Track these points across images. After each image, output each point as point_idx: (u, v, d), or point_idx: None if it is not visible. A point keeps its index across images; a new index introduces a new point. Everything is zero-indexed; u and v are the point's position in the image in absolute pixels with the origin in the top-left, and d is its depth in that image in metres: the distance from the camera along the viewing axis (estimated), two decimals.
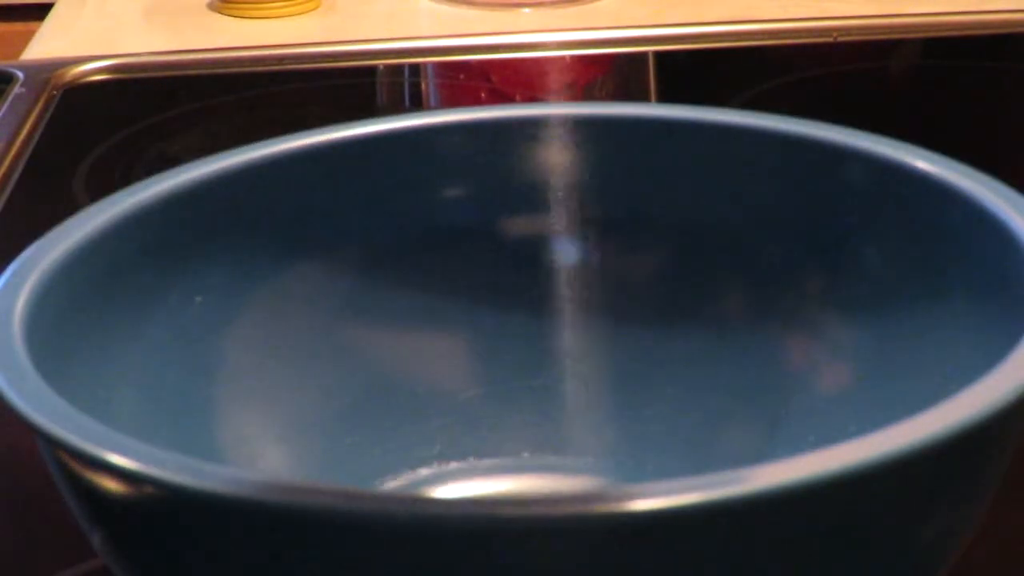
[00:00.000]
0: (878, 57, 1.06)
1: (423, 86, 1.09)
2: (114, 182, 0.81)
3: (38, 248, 0.49)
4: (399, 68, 1.07)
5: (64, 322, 0.47)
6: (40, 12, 1.20)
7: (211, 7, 1.13)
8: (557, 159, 0.56)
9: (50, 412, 0.40)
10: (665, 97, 1.02)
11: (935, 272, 0.51)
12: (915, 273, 0.51)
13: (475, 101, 1.02)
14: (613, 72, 1.08)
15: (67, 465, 0.41)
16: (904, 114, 0.96)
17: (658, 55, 1.06)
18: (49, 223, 0.50)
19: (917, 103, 0.99)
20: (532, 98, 1.02)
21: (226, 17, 1.11)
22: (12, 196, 0.84)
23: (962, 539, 0.43)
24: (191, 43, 1.07)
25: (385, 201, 0.56)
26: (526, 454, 0.56)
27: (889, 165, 0.52)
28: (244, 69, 1.03)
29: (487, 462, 0.56)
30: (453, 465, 0.55)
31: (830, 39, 1.03)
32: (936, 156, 0.51)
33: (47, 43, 1.08)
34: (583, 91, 1.04)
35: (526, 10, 1.11)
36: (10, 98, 0.95)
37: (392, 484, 0.55)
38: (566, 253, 0.57)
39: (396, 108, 1.03)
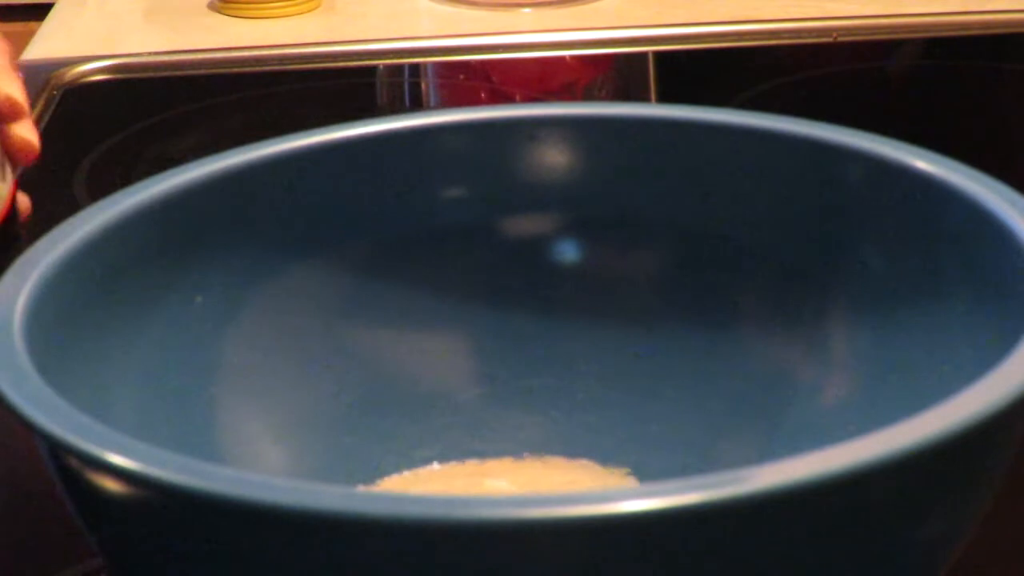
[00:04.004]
0: (878, 57, 1.06)
1: (423, 86, 1.09)
2: (114, 182, 0.81)
3: (38, 248, 0.49)
4: (399, 68, 1.07)
5: (64, 322, 0.47)
6: (40, 12, 1.20)
7: (211, 7, 1.13)
8: (557, 159, 0.56)
9: (50, 412, 0.40)
10: (665, 97, 1.02)
11: (935, 272, 0.51)
12: (915, 273, 0.51)
13: (475, 101, 1.02)
14: (613, 72, 1.07)
15: (67, 465, 0.41)
16: (904, 114, 0.96)
17: (658, 55, 1.05)
18: (49, 223, 0.50)
19: (917, 103, 0.99)
20: (532, 98, 1.02)
21: (226, 17, 1.11)
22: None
23: (962, 539, 0.43)
24: (191, 43, 1.07)
25: (385, 201, 0.56)
26: (526, 454, 0.56)
27: (889, 165, 0.52)
28: (244, 69, 1.03)
29: (487, 462, 0.56)
30: (453, 465, 0.55)
31: (830, 39, 1.03)
32: (936, 156, 0.51)
33: (47, 43, 1.08)
34: (583, 91, 1.04)
35: (526, 10, 1.11)
36: None
37: (393, 484, 0.55)
38: (565, 253, 0.57)
39: (396, 108, 1.03)
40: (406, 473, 0.55)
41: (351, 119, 0.56)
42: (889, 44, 1.06)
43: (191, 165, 0.53)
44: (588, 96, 1.03)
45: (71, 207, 0.60)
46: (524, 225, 0.57)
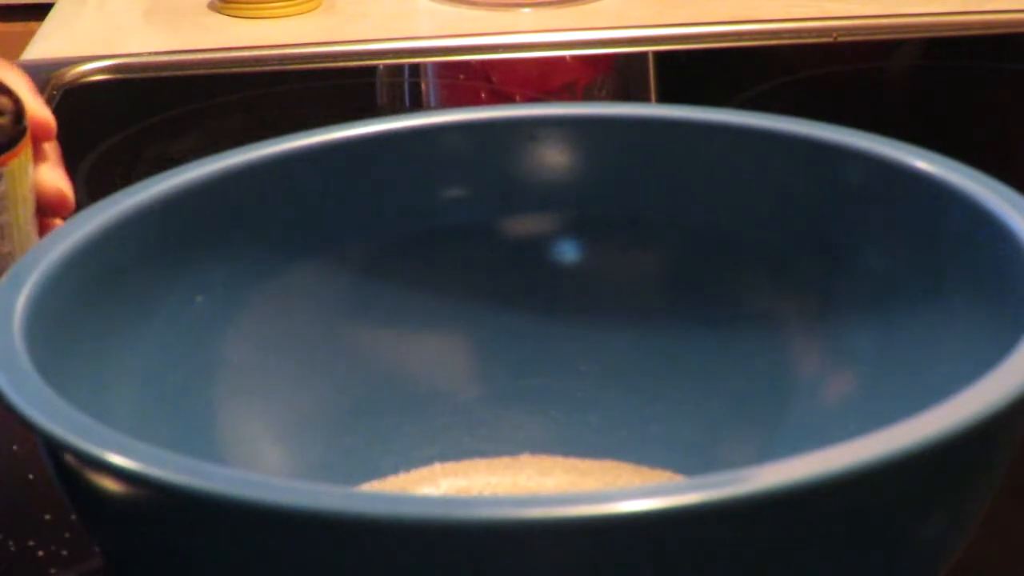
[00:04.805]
0: (878, 57, 1.06)
1: (423, 86, 1.09)
2: (114, 182, 0.81)
3: (38, 248, 0.49)
4: (399, 68, 1.07)
5: (64, 322, 0.47)
6: (40, 12, 1.20)
7: (211, 7, 1.13)
8: (557, 159, 0.56)
9: (50, 412, 0.40)
10: (665, 97, 1.02)
11: (935, 272, 0.51)
12: (915, 273, 0.51)
13: (475, 101, 1.02)
14: (613, 72, 1.07)
15: (67, 465, 0.42)
16: (904, 114, 0.96)
17: (658, 55, 1.05)
18: None
19: (917, 103, 0.99)
20: (532, 98, 1.02)
21: (226, 17, 1.11)
22: None
23: (963, 539, 0.43)
24: (191, 43, 1.07)
25: (385, 201, 0.56)
26: (526, 454, 0.56)
27: (889, 165, 0.52)
28: (244, 69, 1.03)
29: (487, 462, 0.56)
30: (453, 465, 0.55)
31: (830, 39, 1.03)
32: (936, 156, 0.51)
33: (47, 43, 1.08)
34: (583, 91, 1.04)
35: (526, 10, 1.11)
36: None
37: (393, 484, 0.55)
38: (566, 253, 0.57)
39: (396, 108, 1.03)
40: (406, 473, 0.55)
41: (351, 119, 0.56)
42: (889, 44, 1.06)
43: (191, 165, 0.53)
44: (588, 96, 1.03)
45: None
46: (524, 225, 0.57)
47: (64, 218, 0.58)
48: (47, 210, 0.57)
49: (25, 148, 0.55)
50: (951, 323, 0.50)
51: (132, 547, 0.42)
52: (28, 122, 0.55)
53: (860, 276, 0.53)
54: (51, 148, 0.58)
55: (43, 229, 0.57)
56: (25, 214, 0.55)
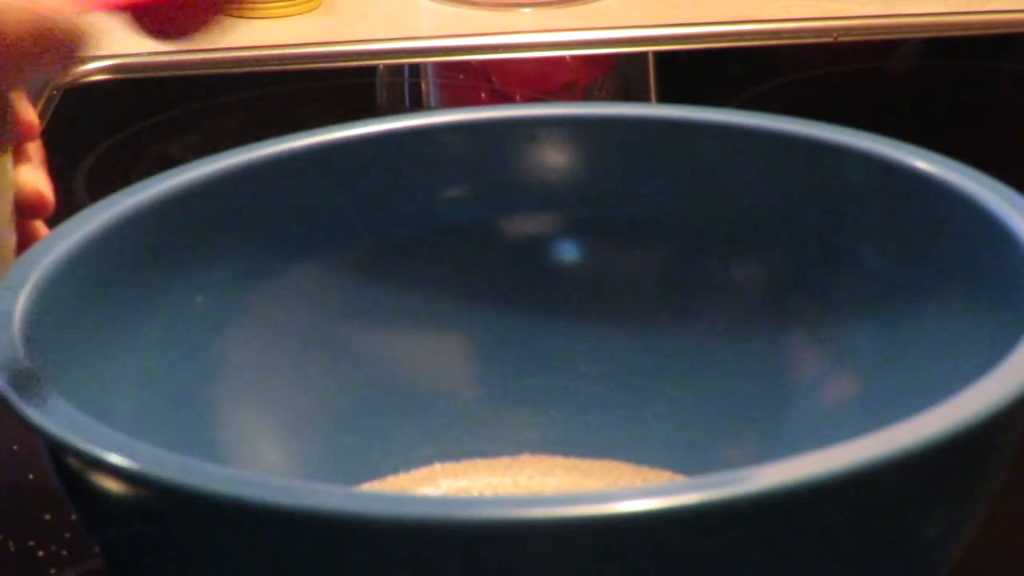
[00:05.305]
0: (878, 57, 1.06)
1: (423, 86, 1.09)
2: (114, 182, 0.81)
3: (38, 248, 0.49)
4: (399, 68, 1.07)
5: (64, 322, 0.47)
6: None
7: None
8: (557, 159, 0.56)
9: (50, 412, 0.40)
10: (665, 97, 1.02)
11: (935, 272, 0.51)
12: (915, 273, 0.51)
13: (475, 101, 1.02)
14: (613, 72, 1.07)
15: (67, 465, 0.42)
16: (904, 114, 0.95)
17: (658, 55, 1.05)
18: (49, 223, 0.50)
19: (917, 103, 0.99)
20: (532, 98, 1.02)
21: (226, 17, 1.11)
22: None
23: (963, 539, 0.43)
24: (191, 43, 1.07)
25: (385, 201, 0.56)
26: (526, 454, 0.56)
27: (889, 165, 0.52)
28: (244, 69, 1.03)
29: (487, 462, 0.56)
30: (453, 465, 0.55)
31: (830, 39, 1.03)
32: (936, 156, 0.51)
33: None
34: (583, 91, 1.04)
35: (526, 10, 1.11)
36: None
37: (393, 484, 0.55)
38: (566, 253, 0.57)
39: (396, 108, 1.03)
40: (406, 473, 0.55)
41: (351, 119, 0.56)
42: (889, 44, 1.06)
43: (191, 165, 0.53)
44: (588, 96, 1.03)
45: (71, 207, 0.60)
46: (524, 225, 0.57)
47: (42, 220, 0.58)
48: (25, 211, 0.57)
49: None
50: (951, 323, 0.50)
51: (132, 547, 0.42)
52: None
53: (860, 276, 0.53)
54: (34, 149, 0.58)
55: (20, 229, 0.57)
56: (2, 212, 0.55)
